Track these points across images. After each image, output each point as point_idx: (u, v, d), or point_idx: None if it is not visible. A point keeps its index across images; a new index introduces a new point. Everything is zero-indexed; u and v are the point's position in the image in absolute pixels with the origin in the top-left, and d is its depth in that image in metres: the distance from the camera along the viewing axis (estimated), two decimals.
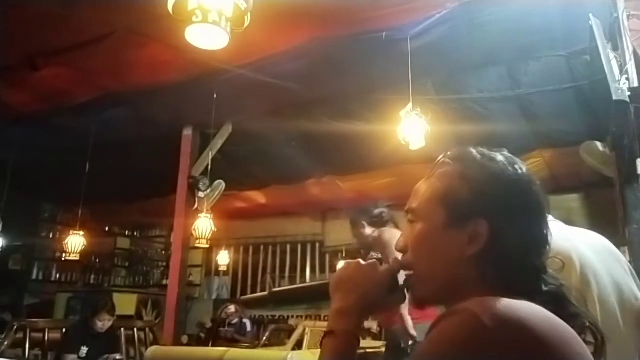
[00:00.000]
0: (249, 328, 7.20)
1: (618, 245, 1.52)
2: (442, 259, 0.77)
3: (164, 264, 9.56)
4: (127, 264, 9.88)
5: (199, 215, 4.88)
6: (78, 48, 3.81)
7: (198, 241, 4.91)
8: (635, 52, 2.96)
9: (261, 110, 4.93)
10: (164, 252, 9.83)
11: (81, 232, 5.83)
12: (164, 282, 8.46)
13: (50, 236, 8.68)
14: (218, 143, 5.23)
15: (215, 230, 4.92)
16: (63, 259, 6.38)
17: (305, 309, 8.11)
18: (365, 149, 5.21)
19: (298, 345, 4.95)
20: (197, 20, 2.18)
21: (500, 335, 0.61)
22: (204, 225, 4.84)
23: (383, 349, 3.84)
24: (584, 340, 0.72)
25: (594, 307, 1.28)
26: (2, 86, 4.51)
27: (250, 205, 7.61)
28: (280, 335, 6.34)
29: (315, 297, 0.96)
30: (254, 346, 6.02)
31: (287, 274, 8.82)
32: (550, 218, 1.53)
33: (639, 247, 2.69)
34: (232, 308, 7.07)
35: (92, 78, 4.37)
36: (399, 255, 0.86)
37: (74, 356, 4.15)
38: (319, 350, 0.83)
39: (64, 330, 4.56)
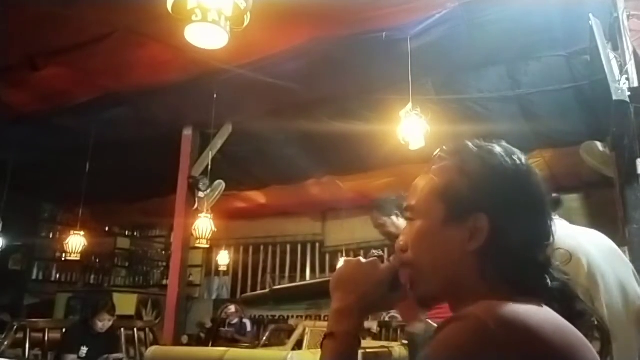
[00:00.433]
0: (249, 328, 7.20)
1: (618, 246, 1.52)
2: (443, 256, 0.76)
3: (164, 264, 9.56)
4: (127, 264, 9.88)
5: (199, 215, 4.88)
6: (78, 48, 3.81)
7: (198, 241, 4.91)
8: (635, 52, 2.96)
9: (261, 110, 4.93)
10: (164, 252, 9.83)
11: (81, 232, 5.83)
12: (164, 282, 8.45)
13: (50, 236, 8.68)
14: (218, 143, 5.23)
15: (215, 230, 4.92)
16: (63, 259, 6.40)
17: (305, 308, 8.11)
18: (365, 149, 5.21)
19: (298, 345, 4.94)
20: (197, 19, 2.18)
21: (506, 342, 0.60)
22: (204, 225, 4.84)
23: (383, 349, 3.84)
24: (591, 337, 0.71)
25: (600, 306, 1.29)
26: (2, 86, 4.50)
27: (250, 205, 7.62)
28: (280, 335, 6.33)
29: (317, 295, 0.95)
30: (254, 346, 6.02)
31: (287, 274, 8.82)
32: (554, 216, 1.53)
33: (639, 247, 2.69)
34: (232, 308, 7.07)
35: (92, 78, 4.37)
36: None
37: (74, 356, 4.15)
38: (319, 350, 0.82)
39: (64, 330, 4.55)
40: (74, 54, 3.91)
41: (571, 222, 1.56)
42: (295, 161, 5.77)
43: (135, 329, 5.23)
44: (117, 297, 6.68)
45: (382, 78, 4.24)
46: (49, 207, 8.67)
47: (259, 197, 7.33)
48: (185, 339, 5.88)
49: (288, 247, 8.87)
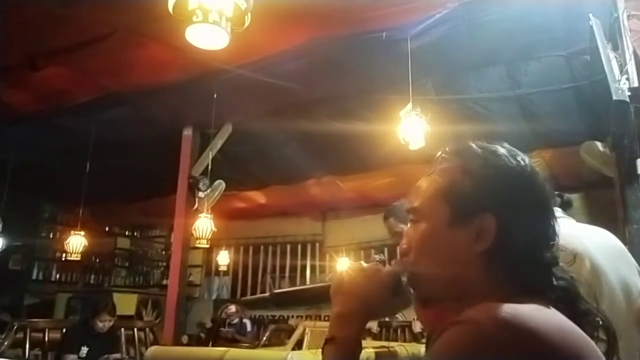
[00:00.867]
0: (249, 328, 7.20)
1: None
2: (449, 259, 0.75)
3: (164, 264, 9.56)
4: (127, 264, 9.88)
5: (199, 215, 4.88)
6: (78, 48, 3.81)
7: (198, 241, 4.91)
8: (635, 52, 2.96)
9: (261, 110, 4.93)
10: (164, 252, 9.83)
11: (81, 232, 5.83)
12: (164, 282, 8.46)
13: (50, 236, 8.68)
14: (218, 143, 5.23)
15: (215, 230, 4.92)
16: (63, 259, 6.40)
17: (305, 309, 8.11)
18: (365, 149, 5.21)
19: (298, 345, 4.94)
20: (198, 20, 2.18)
21: (506, 345, 0.59)
22: (204, 225, 4.84)
23: (383, 349, 3.84)
24: (597, 338, 0.71)
25: (602, 305, 1.28)
26: (2, 86, 4.51)
27: (250, 205, 7.62)
28: (280, 335, 6.33)
29: (317, 299, 0.94)
30: (254, 346, 6.02)
31: (287, 274, 8.83)
32: (561, 214, 1.53)
33: (639, 247, 2.69)
34: (232, 308, 7.07)
35: (92, 78, 4.37)
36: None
37: (74, 356, 4.15)
38: (319, 350, 0.81)
39: (64, 330, 4.55)
40: (74, 54, 3.91)
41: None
42: (295, 161, 5.77)
43: (135, 329, 5.23)
44: (117, 297, 6.68)
45: (382, 78, 4.25)
46: (49, 207, 8.67)
47: (259, 197, 7.33)
48: (185, 339, 5.88)
49: (288, 247, 8.87)
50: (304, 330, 5.16)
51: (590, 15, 3.02)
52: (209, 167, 5.01)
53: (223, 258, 8.85)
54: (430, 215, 0.77)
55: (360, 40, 3.73)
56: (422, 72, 3.85)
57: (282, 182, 6.59)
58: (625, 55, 2.91)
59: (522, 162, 0.77)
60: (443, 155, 0.82)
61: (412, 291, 0.81)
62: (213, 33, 2.28)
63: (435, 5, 3.46)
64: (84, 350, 4.18)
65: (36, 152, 5.63)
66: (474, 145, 0.80)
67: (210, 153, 5.08)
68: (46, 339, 4.47)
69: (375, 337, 5.76)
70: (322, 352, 0.79)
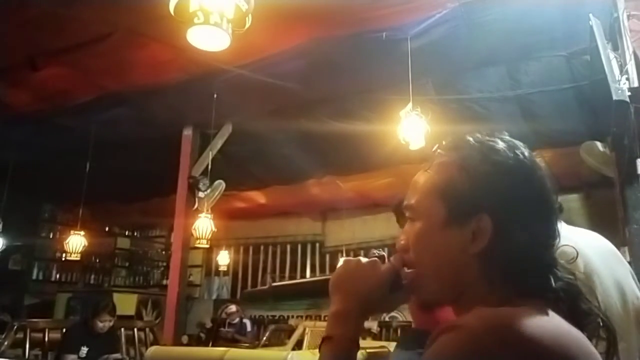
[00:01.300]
0: (249, 328, 7.20)
1: (618, 246, 1.53)
2: (445, 258, 0.73)
3: (164, 264, 9.56)
4: (127, 264, 9.88)
5: (199, 215, 4.88)
6: (78, 48, 3.81)
7: (198, 241, 4.91)
8: (635, 52, 2.96)
9: (261, 110, 4.93)
10: (164, 252, 9.83)
11: (81, 232, 5.83)
12: (164, 282, 8.46)
13: (50, 236, 8.67)
14: (218, 143, 5.23)
15: (215, 230, 4.92)
16: (63, 259, 6.40)
17: (305, 308, 8.11)
18: (365, 149, 5.21)
19: (298, 345, 4.95)
20: (199, 21, 2.18)
21: (499, 354, 0.58)
22: (204, 225, 4.84)
23: (383, 349, 3.84)
24: (598, 337, 0.70)
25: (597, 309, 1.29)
26: (2, 86, 4.51)
27: (250, 205, 7.62)
28: (280, 335, 6.34)
29: (316, 293, 0.92)
30: (254, 346, 6.02)
31: (287, 274, 8.83)
32: None
33: (639, 247, 2.69)
34: (232, 308, 7.07)
35: (92, 78, 4.37)
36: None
37: (74, 356, 4.15)
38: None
39: (64, 330, 4.56)
40: (74, 54, 3.91)
41: (571, 222, 1.56)
42: (295, 161, 5.77)
43: (136, 329, 5.24)
44: (117, 297, 6.69)
45: (382, 78, 4.24)
46: (49, 207, 8.67)
47: (259, 197, 7.34)
48: (185, 339, 5.89)
49: (288, 247, 8.88)
50: (304, 330, 5.16)
51: (590, 15, 3.02)
52: (209, 167, 5.01)
53: (223, 258, 8.85)
54: (426, 214, 0.75)
55: (360, 40, 3.73)
56: (422, 72, 3.85)
57: (282, 182, 6.59)
58: (625, 55, 2.92)
59: (521, 157, 0.73)
60: (439, 150, 0.79)
61: (410, 288, 0.79)
62: (214, 34, 2.28)
63: (435, 5, 3.46)
64: (84, 350, 4.18)
65: (36, 152, 5.63)
66: (471, 140, 0.77)
67: (210, 153, 5.08)
68: (46, 339, 4.47)
69: (375, 337, 5.76)
70: (319, 351, 0.78)
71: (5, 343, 4.21)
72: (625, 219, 2.85)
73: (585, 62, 3.65)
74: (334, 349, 0.76)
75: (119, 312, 4.66)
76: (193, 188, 4.98)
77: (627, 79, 2.82)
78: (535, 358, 0.59)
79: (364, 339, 5.61)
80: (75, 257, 5.80)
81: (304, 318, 7.60)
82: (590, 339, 0.68)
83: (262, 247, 9.10)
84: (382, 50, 3.81)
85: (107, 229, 9.43)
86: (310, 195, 7.01)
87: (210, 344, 6.26)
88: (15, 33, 3.70)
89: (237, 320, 7.06)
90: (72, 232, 5.88)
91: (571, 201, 5.93)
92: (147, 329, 5.37)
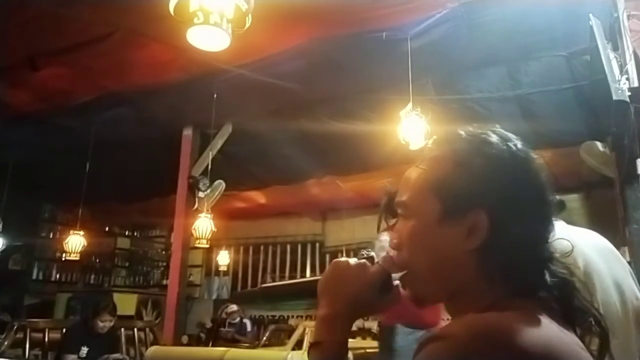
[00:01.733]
0: (249, 328, 7.20)
1: (618, 246, 1.53)
2: (440, 256, 0.71)
3: (164, 264, 9.57)
4: (127, 264, 9.89)
5: (199, 215, 4.88)
6: (78, 48, 3.81)
7: (198, 241, 4.91)
8: (635, 52, 2.96)
9: (261, 110, 4.94)
10: (164, 252, 9.83)
11: (81, 232, 5.83)
12: (164, 282, 8.46)
13: (50, 236, 8.67)
14: (218, 143, 5.23)
15: (215, 230, 4.92)
16: (63, 259, 6.39)
17: (305, 308, 8.11)
18: (365, 149, 5.21)
19: (298, 345, 4.95)
20: (199, 21, 2.18)
21: None
22: (204, 225, 4.84)
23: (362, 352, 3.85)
24: (591, 333, 0.69)
25: (597, 306, 1.29)
26: (2, 86, 4.51)
27: (250, 205, 7.62)
28: (280, 335, 6.34)
29: (307, 293, 0.92)
30: (254, 346, 6.02)
31: (287, 274, 8.83)
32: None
33: (639, 247, 2.69)
34: (232, 307, 7.07)
35: (92, 78, 4.37)
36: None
37: (74, 356, 4.15)
38: None
39: (64, 330, 4.56)
40: (74, 54, 3.91)
41: (571, 222, 1.56)
42: (295, 161, 5.77)
43: (136, 329, 5.24)
44: (117, 297, 6.68)
45: (382, 78, 4.25)
46: (49, 207, 8.67)
47: (259, 197, 7.34)
48: (185, 339, 5.89)
49: (288, 247, 8.88)
50: (304, 330, 5.16)
51: (590, 15, 3.02)
52: (209, 167, 5.01)
53: (223, 258, 8.85)
54: (419, 211, 0.73)
55: (360, 40, 3.73)
56: (422, 72, 3.85)
57: (282, 182, 6.59)
58: (625, 55, 2.92)
59: (515, 149, 0.71)
60: (432, 144, 0.78)
61: (404, 288, 0.78)
62: (214, 34, 2.28)
63: (435, 5, 3.46)
64: (84, 350, 4.18)
65: (36, 152, 5.63)
66: (464, 134, 0.75)
67: (210, 153, 5.08)
68: (46, 339, 4.48)
69: (375, 337, 5.76)
70: (308, 356, 0.76)
71: (5, 343, 4.21)
72: (625, 219, 2.85)
73: (585, 62, 3.65)
74: (323, 355, 0.75)
75: (119, 312, 4.66)
76: (193, 188, 4.98)
77: (627, 79, 2.83)
78: None
79: (364, 339, 5.62)
80: (75, 257, 5.79)
81: (304, 318, 7.60)
82: (584, 336, 0.68)
83: (262, 247, 9.10)
84: (382, 50, 3.81)
85: (107, 229, 9.43)
86: (310, 195, 7.01)
87: (210, 344, 6.26)
88: (15, 33, 3.70)
89: (237, 320, 7.06)
90: (72, 232, 5.88)
91: (571, 201, 5.93)
92: (147, 329, 5.37)
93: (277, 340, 6.14)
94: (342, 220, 8.09)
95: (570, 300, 0.69)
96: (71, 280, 8.90)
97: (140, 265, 10.02)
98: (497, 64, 4.16)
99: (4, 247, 6.71)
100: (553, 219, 0.73)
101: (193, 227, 4.87)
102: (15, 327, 4.34)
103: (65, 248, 5.79)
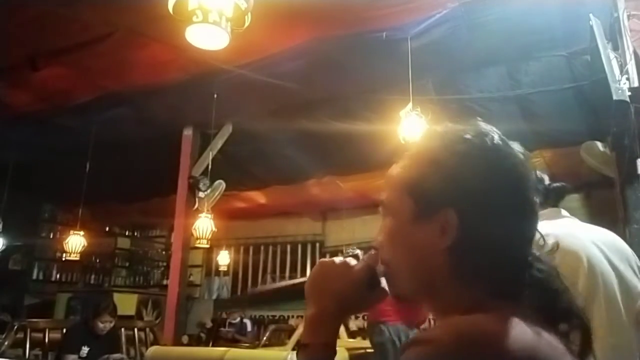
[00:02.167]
0: (249, 328, 7.21)
1: None
2: (416, 255, 0.70)
3: (164, 264, 9.57)
4: (127, 264, 9.89)
5: (199, 215, 4.88)
6: (78, 48, 3.81)
7: (198, 241, 4.91)
8: (635, 52, 2.96)
9: (261, 110, 4.93)
10: (164, 252, 9.84)
11: (81, 232, 5.83)
12: (164, 282, 8.46)
13: (50, 236, 8.67)
14: (218, 143, 5.23)
15: (216, 230, 4.92)
16: (63, 259, 6.39)
17: (305, 309, 8.09)
18: (365, 149, 5.21)
19: (298, 345, 4.94)
20: (198, 20, 2.18)
21: None
22: (204, 225, 4.84)
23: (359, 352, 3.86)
24: (574, 331, 0.68)
25: (600, 307, 1.29)
26: (2, 86, 4.51)
27: (250, 205, 7.62)
28: (281, 335, 6.34)
29: (293, 296, 0.93)
30: (254, 346, 6.02)
31: (287, 274, 8.83)
32: (564, 213, 1.53)
33: (639, 247, 2.69)
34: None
35: (92, 78, 4.37)
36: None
37: (75, 356, 4.15)
38: None
39: (64, 330, 4.55)
40: (74, 54, 3.91)
41: None
42: (295, 161, 5.77)
43: (136, 329, 5.24)
44: (117, 297, 6.68)
45: (382, 78, 4.24)
46: (49, 207, 8.67)
47: (259, 197, 7.34)
48: (185, 339, 5.89)
49: (288, 247, 8.88)
50: None
51: (591, 15, 3.02)
52: (209, 167, 5.01)
53: (223, 258, 8.85)
54: (395, 210, 0.73)
55: (360, 40, 3.73)
56: (422, 72, 3.85)
57: (282, 182, 6.59)
58: (626, 55, 2.91)
59: (490, 144, 0.69)
60: (411, 142, 0.79)
61: (386, 285, 0.78)
62: (213, 33, 2.28)
63: (435, 5, 3.46)
64: (85, 350, 4.17)
65: (36, 152, 5.63)
66: (440, 130, 0.73)
67: (211, 153, 5.08)
68: (46, 339, 4.48)
69: None
70: (297, 358, 0.77)
71: (6, 343, 4.21)
72: (625, 219, 2.85)
73: (586, 62, 3.64)
74: (310, 357, 0.75)
75: (119, 312, 4.66)
76: (193, 188, 4.98)
77: (627, 78, 2.82)
78: None
79: (364, 339, 5.61)
80: (75, 257, 5.80)
81: (304, 318, 7.59)
82: (568, 336, 0.66)
83: (262, 247, 9.10)
84: (382, 50, 3.81)
85: (107, 229, 9.43)
86: (310, 195, 7.01)
87: (211, 344, 6.26)
88: (15, 33, 3.70)
89: (237, 320, 7.07)
90: (72, 232, 5.88)
91: (571, 201, 5.91)
92: (148, 329, 5.37)
93: (277, 340, 6.14)
94: (342, 220, 8.09)
95: (552, 302, 0.68)
96: (71, 280, 8.90)
97: (140, 265, 10.03)
98: (497, 64, 4.16)
99: (4, 247, 6.71)
100: (535, 217, 0.70)
101: (193, 227, 4.87)
102: (16, 327, 4.33)
103: (65, 248, 5.80)
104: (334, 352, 0.77)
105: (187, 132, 5.31)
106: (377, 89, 4.46)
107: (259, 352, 4.94)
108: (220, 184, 5.09)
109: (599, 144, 3.95)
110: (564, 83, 4.09)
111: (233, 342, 6.30)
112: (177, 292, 4.99)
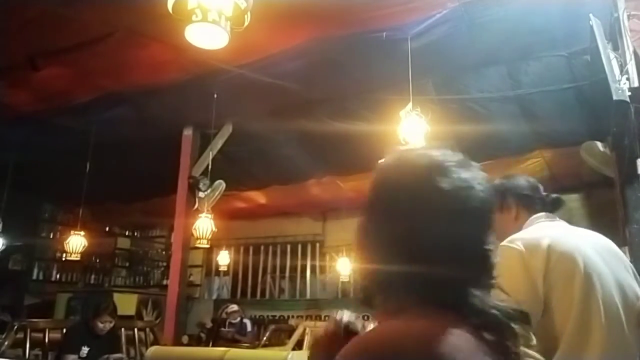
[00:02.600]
0: (249, 328, 7.20)
1: (618, 246, 1.52)
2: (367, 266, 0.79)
3: (164, 264, 9.57)
4: (127, 264, 9.89)
5: (199, 215, 4.88)
6: (78, 48, 3.81)
7: (198, 241, 4.91)
8: (635, 52, 2.96)
9: (261, 110, 4.93)
10: (164, 252, 9.83)
11: (81, 232, 5.83)
12: (164, 282, 8.46)
13: (50, 236, 8.68)
14: (218, 143, 5.23)
15: (216, 230, 4.92)
16: (63, 259, 6.39)
17: (305, 308, 8.12)
18: (365, 149, 5.20)
19: (298, 345, 4.95)
20: (197, 19, 2.17)
21: None
22: (204, 225, 4.84)
23: None
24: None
25: (597, 309, 1.29)
26: (2, 86, 4.51)
27: (250, 205, 7.62)
28: (281, 335, 6.34)
29: None
30: (254, 346, 6.02)
31: (287, 274, 8.83)
32: (555, 218, 1.54)
33: (639, 247, 2.69)
34: (233, 307, 7.07)
35: (92, 78, 4.37)
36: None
37: (75, 356, 4.15)
38: None
39: (64, 330, 4.56)
40: (74, 54, 3.91)
41: (571, 222, 1.56)
42: (295, 161, 5.77)
43: (136, 329, 5.24)
44: (117, 297, 6.68)
45: (382, 78, 4.24)
46: (49, 207, 8.67)
47: (259, 197, 7.34)
48: (185, 339, 5.88)
49: (288, 247, 8.89)
50: (304, 330, 5.16)
51: (591, 15, 3.02)
52: (209, 167, 5.01)
53: (223, 258, 8.85)
54: (364, 224, 0.83)
55: (360, 40, 3.73)
56: (422, 72, 3.85)
57: (282, 182, 6.59)
58: (626, 55, 2.91)
59: (420, 168, 0.77)
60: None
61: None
62: (212, 32, 2.27)
63: (436, 5, 3.46)
64: (85, 350, 4.17)
65: (36, 152, 5.63)
66: (391, 156, 0.84)
67: (211, 153, 5.08)
68: (46, 339, 4.48)
69: None
70: None
71: (6, 343, 4.21)
72: (625, 219, 2.85)
73: (586, 62, 3.64)
74: None
75: (119, 312, 4.66)
76: (193, 188, 4.98)
77: (628, 79, 2.82)
78: None
79: None
80: (75, 257, 5.79)
81: (304, 318, 7.60)
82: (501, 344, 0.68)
83: (262, 247, 9.11)
84: (382, 50, 3.81)
85: (107, 229, 9.44)
86: (310, 195, 7.01)
87: (211, 344, 6.26)
88: (15, 33, 3.70)
89: (237, 320, 7.06)
90: (72, 232, 5.88)
91: (571, 201, 5.93)
92: (148, 329, 5.37)
93: (277, 340, 6.14)
94: (342, 220, 8.08)
95: (487, 310, 0.69)
96: (71, 280, 8.90)
97: (140, 266, 10.02)
98: (497, 64, 4.16)
99: (4, 247, 6.71)
100: (482, 236, 0.73)
101: (193, 227, 4.87)
102: (16, 327, 4.33)
103: (65, 248, 5.80)
104: None
105: (187, 132, 5.31)
106: (377, 89, 4.46)
107: (259, 352, 4.95)
108: (220, 184, 5.09)
109: (599, 144, 3.95)
110: (564, 83, 4.09)
111: (233, 342, 6.30)
112: (177, 292, 4.99)
